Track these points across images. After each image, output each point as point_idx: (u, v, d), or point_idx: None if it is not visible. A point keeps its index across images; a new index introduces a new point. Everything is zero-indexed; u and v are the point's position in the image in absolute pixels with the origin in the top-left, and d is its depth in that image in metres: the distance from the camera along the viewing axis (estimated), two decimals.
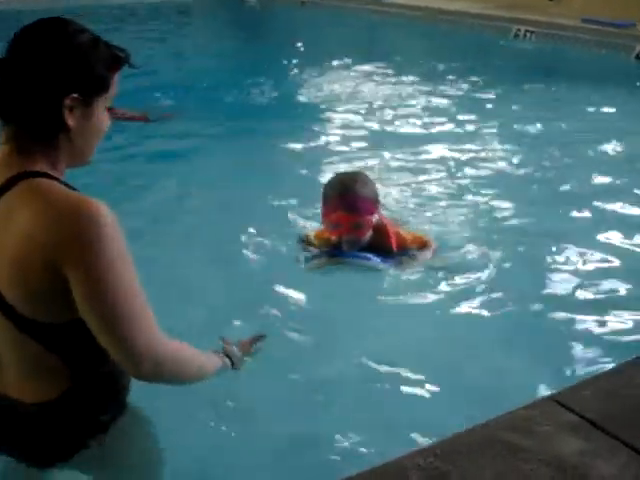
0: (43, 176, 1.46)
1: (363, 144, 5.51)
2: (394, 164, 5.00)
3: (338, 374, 2.56)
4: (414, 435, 2.23)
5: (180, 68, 8.53)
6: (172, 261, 3.31)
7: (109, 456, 1.65)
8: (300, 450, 2.24)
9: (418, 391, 2.51)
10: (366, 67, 8.32)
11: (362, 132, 5.86)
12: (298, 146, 5.34)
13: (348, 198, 2.92)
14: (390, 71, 8.16)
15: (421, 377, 2.55)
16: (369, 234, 3.01)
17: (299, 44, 9.62)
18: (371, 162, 4.99)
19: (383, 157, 5.12)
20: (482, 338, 2.83)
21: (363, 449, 2.22)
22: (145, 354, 1.45)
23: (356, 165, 4.85)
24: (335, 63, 8.44)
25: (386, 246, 3.06)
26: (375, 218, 3.00)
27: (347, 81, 7.75)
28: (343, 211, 2.92)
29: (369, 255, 3.03)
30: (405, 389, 2.51)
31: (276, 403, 2.41)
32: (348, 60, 8.52)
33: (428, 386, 2.52)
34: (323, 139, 5.62)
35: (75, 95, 1.47)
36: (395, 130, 5.97)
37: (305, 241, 3.31)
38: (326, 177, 4.18)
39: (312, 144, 5.43)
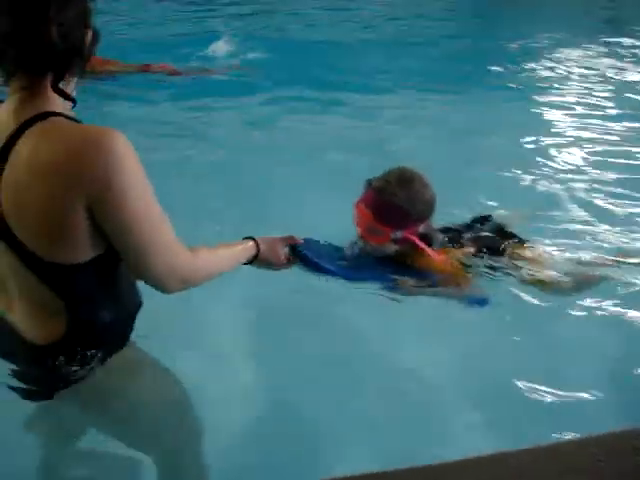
0: (59, 116, 1.49)
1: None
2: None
3: None
4: None
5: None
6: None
7: (102, 394, 1.72)
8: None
9: None
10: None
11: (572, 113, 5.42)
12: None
13: (378, 198, 2.48)
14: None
15: None
16: (390, 247, 2.54)
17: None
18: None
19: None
20: None
21: None
22: (169, 278, 1.57)
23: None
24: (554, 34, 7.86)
25: (414, 264, 2.57)
26: (397, 235, 2.50)
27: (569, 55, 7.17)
28: (368, 208, 2.49)
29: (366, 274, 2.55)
30: None
31: None
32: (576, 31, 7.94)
33: None
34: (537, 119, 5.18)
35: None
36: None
37: None
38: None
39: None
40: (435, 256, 2.53)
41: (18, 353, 1.64)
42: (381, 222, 2.45)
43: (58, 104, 1.50)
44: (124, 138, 1.43)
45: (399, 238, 2.48)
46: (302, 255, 2.36)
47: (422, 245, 2.49)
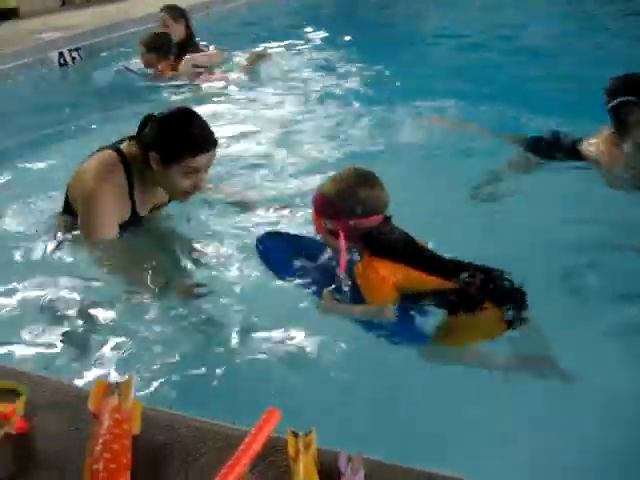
0: (119, 152, 2.75)
1: None
2: None
3: None
4: None
5: None
6: None
7: None
8: None
9: None
10: None
11: None
12: None
13: (316, 190, 2.61)
14: None
15: None
16: (330, 239, 2.55)
17: None
18: None
19: None
20: None
21: None
22: (88, 246, 2.74)
23: None
24: None
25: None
26: (328, 225, 2.51)
27: None
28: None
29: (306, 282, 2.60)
30: None
31: None
32: None
33: None
34: None
35: (156, 155, 2.66)
36: None
37: None
38: None
39: None
40: (363, 267, 2.43)
41: None
42: (315, 212, 2.57)
43: (132, 151, 2.73)
44: (108, 187, 2.66)
45: (330, 229, 2.52)
46: (260, 250, 2.74)
47: (341, 241, 2.45)
